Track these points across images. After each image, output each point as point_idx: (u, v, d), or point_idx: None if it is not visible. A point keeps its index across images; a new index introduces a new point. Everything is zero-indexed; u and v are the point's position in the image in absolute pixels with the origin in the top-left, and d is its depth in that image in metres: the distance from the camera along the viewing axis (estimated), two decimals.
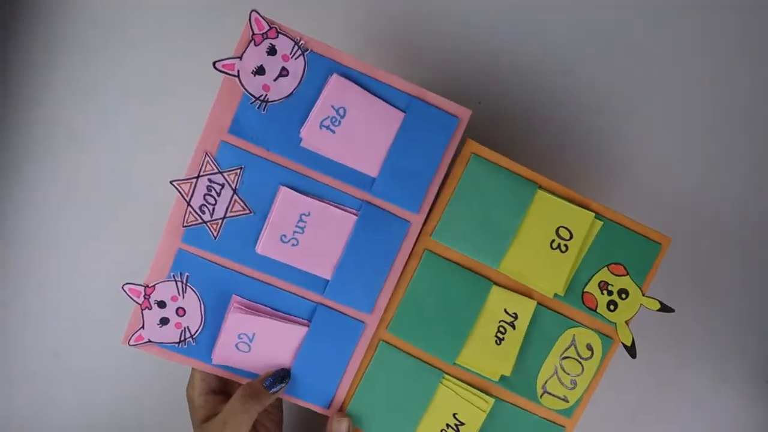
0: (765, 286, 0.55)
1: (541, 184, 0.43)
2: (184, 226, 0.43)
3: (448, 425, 0.44)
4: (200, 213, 0.43)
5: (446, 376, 0.45)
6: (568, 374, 0.44)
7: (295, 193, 0.43)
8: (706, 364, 0.56)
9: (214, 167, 0.43)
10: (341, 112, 0.42)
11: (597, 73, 0.54)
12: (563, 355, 0.44)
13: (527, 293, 0.44)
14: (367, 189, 0.44)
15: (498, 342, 0.44)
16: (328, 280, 0.44)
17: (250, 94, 0.42)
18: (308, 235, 0.43)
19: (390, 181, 0.43)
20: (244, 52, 0.41)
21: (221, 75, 0.42)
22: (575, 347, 0.44)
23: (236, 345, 0.44)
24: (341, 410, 0.45)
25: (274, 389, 0.44)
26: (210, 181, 0.43)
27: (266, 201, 0.43)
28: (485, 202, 0.43)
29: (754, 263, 0.55)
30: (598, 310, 0.43)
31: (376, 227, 0.44)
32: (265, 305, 0.44)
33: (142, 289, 0.43)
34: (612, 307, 0.43)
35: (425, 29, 0.54)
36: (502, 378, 0.44)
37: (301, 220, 0.43)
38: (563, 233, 0.43)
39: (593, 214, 0.43)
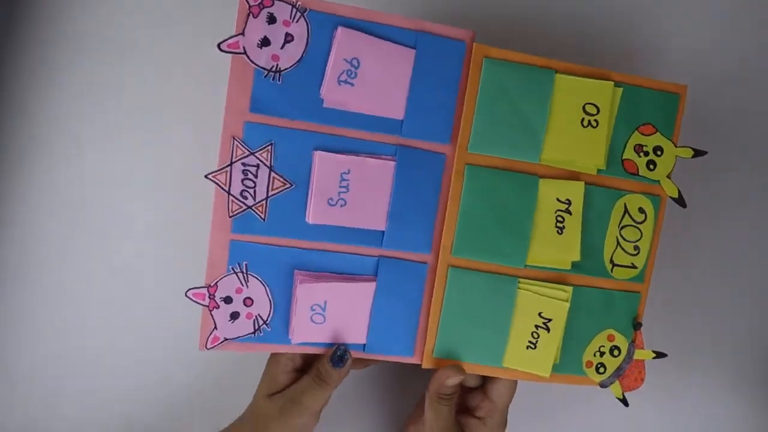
0: None
1: (558, 69, 0.44)
2: (230, 217, 0.42)
3: (536, 326, 0.45)
4: (243, 199, 0.42)
5: (521, 280, 0.45)
6: (630, 242, 0.46)
7: (331, 154, 0.43)
8: (705, 370, 0.58)
9: (245, 150, 0.42)
10: (355, 63, 0.42)
11: None
12: (621, 225, 0.45)
13: (573, 177, 0.45)
14: (397, 132, 0.44)
15: (560, 231, 0.45)
16: (383, 231, 0.44)
17: (261, 67, 0.41)
18: (353, 193, 0.43)
19: (417, 119, 0.44)
20: (245, 26, 0.40)
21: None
22: (629, 214, 0.45)
23: (311, 318, 0.44)
24: (427, 351, 0.45)
25: (340, 366, 0.44)
26: (244, 164, 0.42)
27: (304, 170, 0.43)
28: (509, 101, 0.44)
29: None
30: (639, 173, 0.45)
31: (415, 167, 0.44)
32: (329, 272, 0.44)
33: (205, 290, 0.42)
34: (651, 166, 0.45)
35: None
36: (574, 265, 0.45)
37: (342, 179, 0.43)
38: (590, 109, 0.44)
39: (612, 83, 0.44)
